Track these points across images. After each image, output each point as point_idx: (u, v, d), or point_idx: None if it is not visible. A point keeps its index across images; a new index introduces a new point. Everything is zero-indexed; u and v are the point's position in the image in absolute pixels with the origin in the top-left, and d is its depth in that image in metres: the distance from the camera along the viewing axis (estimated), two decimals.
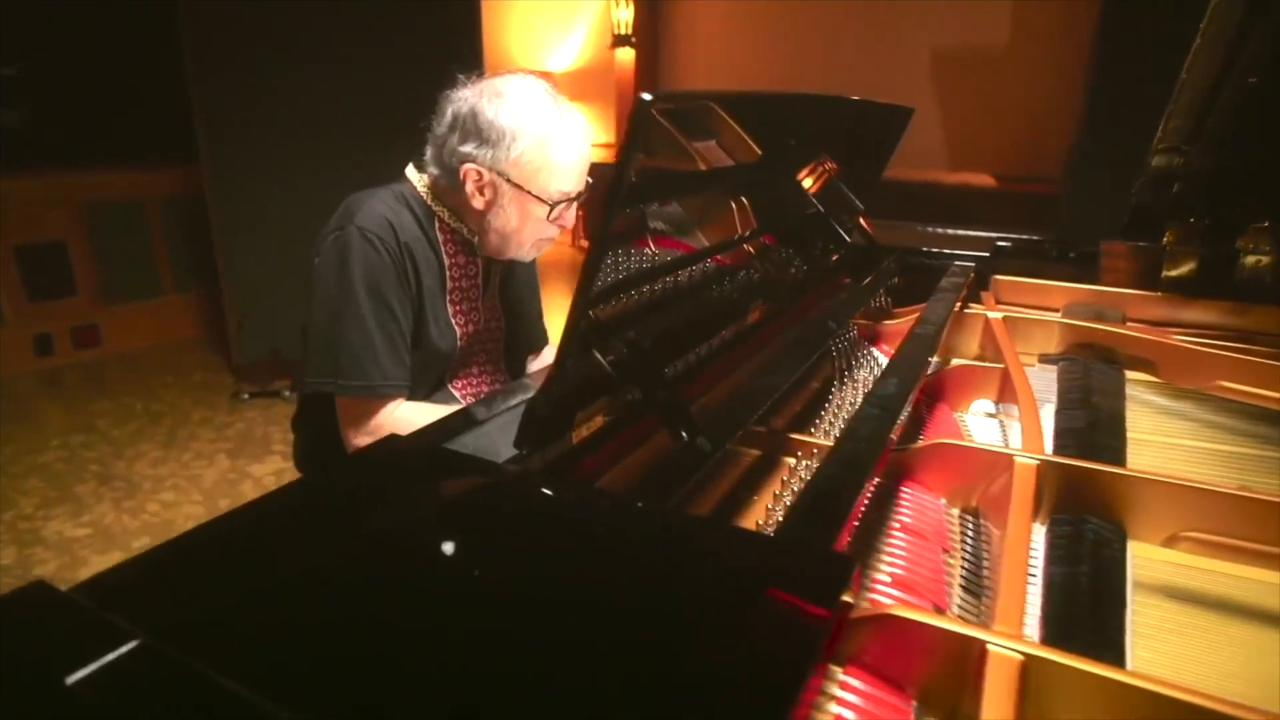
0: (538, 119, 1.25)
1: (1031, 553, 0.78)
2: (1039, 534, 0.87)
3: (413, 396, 1.33)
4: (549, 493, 0.63)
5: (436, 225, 1.34)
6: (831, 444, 1.00)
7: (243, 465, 3.05)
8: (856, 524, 0.80)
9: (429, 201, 1.34)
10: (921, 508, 0.93)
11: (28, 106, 4.10)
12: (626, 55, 6.28)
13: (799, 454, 1.00)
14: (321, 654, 0.45)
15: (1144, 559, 0.83)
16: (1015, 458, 0.90)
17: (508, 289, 1.52)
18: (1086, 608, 0.71)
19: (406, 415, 1.28)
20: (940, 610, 0.76)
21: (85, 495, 2.79)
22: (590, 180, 1.35)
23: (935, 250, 1.85)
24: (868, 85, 5.54)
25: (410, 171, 1.36)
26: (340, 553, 0.55)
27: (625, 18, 6.14)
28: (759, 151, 1.38)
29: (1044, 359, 1.47)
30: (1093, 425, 1.12)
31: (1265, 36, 1.26)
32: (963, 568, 0.85)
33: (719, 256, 1.32)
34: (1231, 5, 1.21)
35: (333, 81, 3.64)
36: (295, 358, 3.79)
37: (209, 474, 2.98)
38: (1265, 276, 1.58)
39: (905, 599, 0.75)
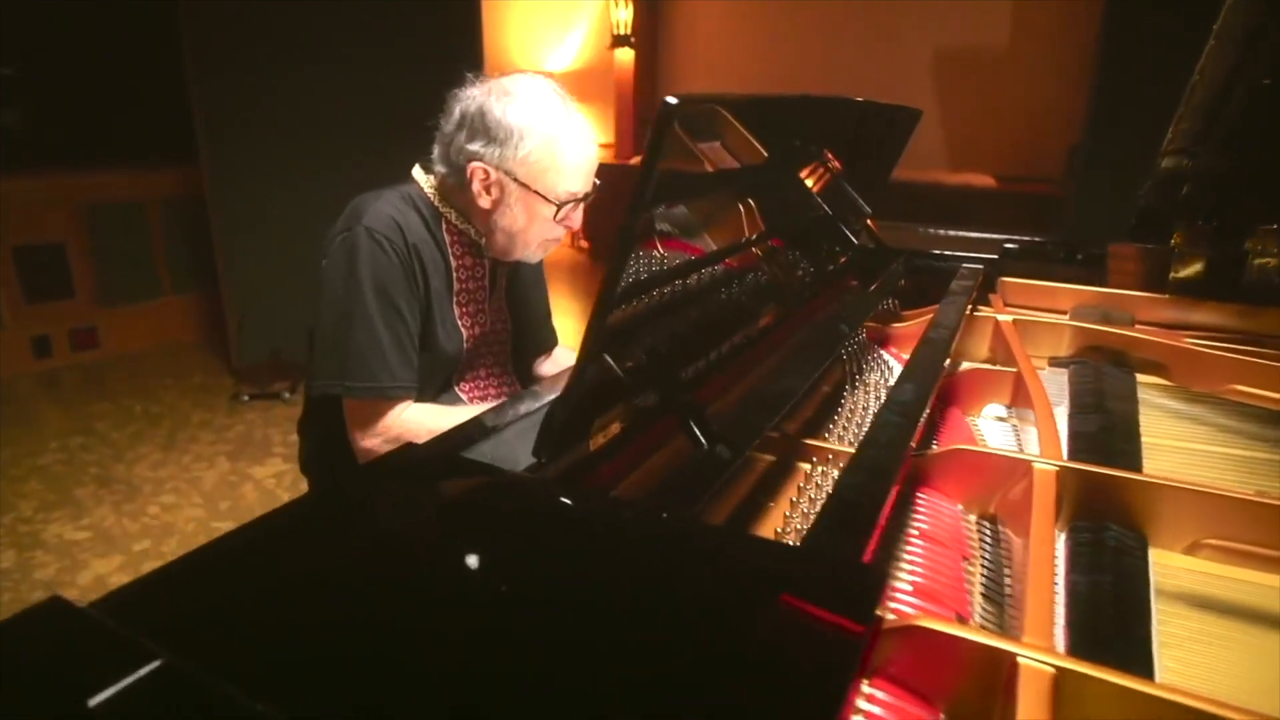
0: (546, 118, 1.24)
1: None
2: (1058, 541, 0.86)
3: (419, 399, 1.32)
4: (573, 504, 0.62)
5: (443, 226, 1.34)
6: (848, 450, 0.99)
7: (243, 468, 3.03)
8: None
9: (436, 202, 1.33)
10: (939, 514, 0.92)
11: (26, 106, 4.09)
12: (626, 55, 6.27)
13: (814, 459, 0.99)
14: (351, 674, 0.44)
15: (1165, 566, 0.83)
16: (1034, 464, 0.89)
17: (514, 290, 1.51)
18: (1112, 617, 0.70)
19: (415, 417, 1.27)
20: (963, 619, 0.75)
21: (85, 498, 2.78)
22: (597, 182, 1.34)
23: (943, 253, 1.85)
24: (868, 86, 5.54)
25: (417, 172, 1.36)
26: (364, 569, 0.54)
27: (624, 18, 6.14)
28: (765, 153, 1.37)
29: (1054, 362, 1.46)
30: (1107, 430, 1.11)
31: None
32: (983, 575, 0.84)
33: (731, 259, 1.31)
34: (1246, 7, 1.20)
35: (333, 81, 3.63)
36: (295, 360, 3.79)
37: (209, 476, 2.96)
38: (1274, 279, 1.58)
39: (927, 608, 0.74)
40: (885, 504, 0.68)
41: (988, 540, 0.90)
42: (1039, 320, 1.51)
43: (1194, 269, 1.67)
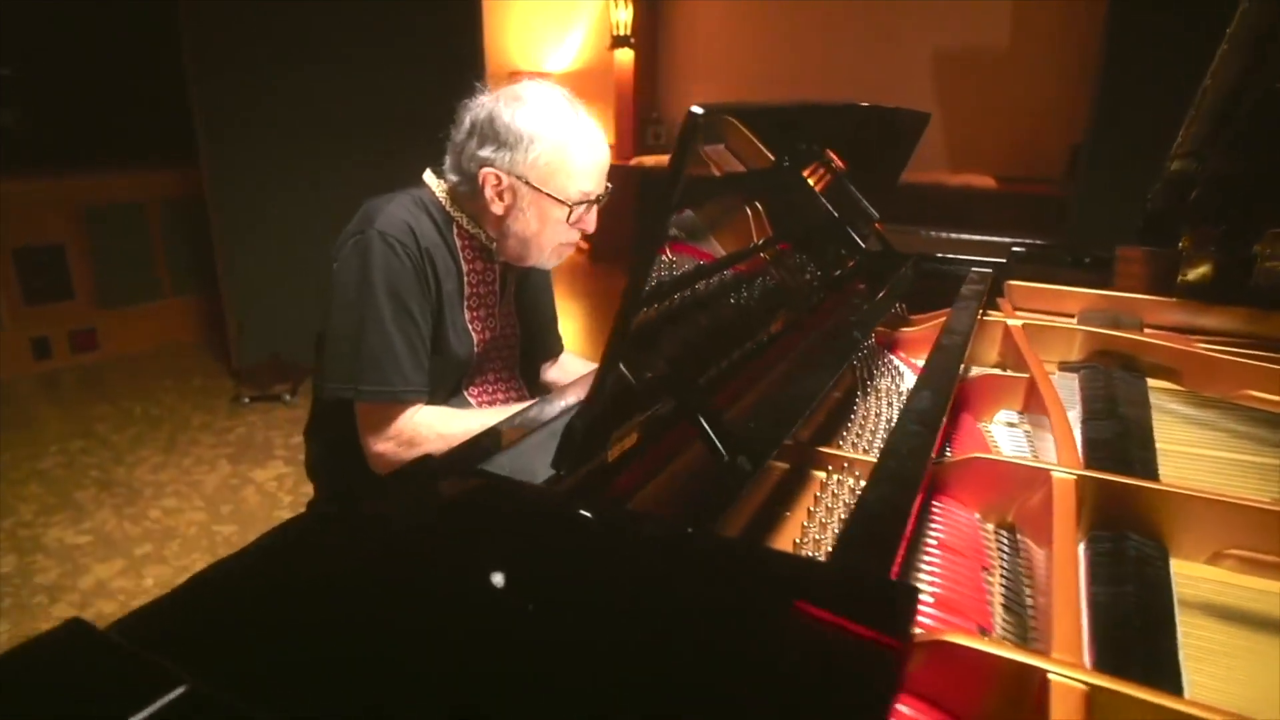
0: (555, 122, 1.25)
1: None
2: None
3: (429, 403, 1.31)
4: (598, 520, 0.61)
5: (455, 231, 1.33)
6: (863, 458, 0.98)
7: (245, 470, 3.02)
8: None
9: (447, 207, 1.33)
10: (956, 524, 0.91)
11: (26, 107, 4.07)
12: (625, 56, 6.26)
13: (829, 468, 0.98)
14: (379, 698, 0.43)
15: (1187, 577, 0.82)
16: (1053, 473, 0.88)
17: (523, 295, 1.51)
18: (1138, 631, 0.69)
19: (427, 420, 1.27)
20: (985, 631, 0.74)
21: (85, 501, 2.76)
22: (609, 185, 1.34)
23: (951, 256, 1.84)
24: (868, 86, 5.54)
25: (428, 177, 1.35)
26: (389, 589, 0.53)
27: (624, 19, 6.13)
28: (771, 156, 1.37)
29: (1064, 366, 1.46)
30: (1122, 436, 1.10)
31: None
32: (1003, 586, 0.83)
33: (741, 264, 1.30)
34: (1260, 11, 1.20)
35: (333, 82, 3.62)
36: (296, 361, 3.78)
37: (210, 479, 2.95)
38: None
39: (950, 620, 0.73)
40: (910, 517, 0.67)
41: (1006, 549, 0.90)
42: (1048, 324, 1.50)
43: (1202, 272, 1.66)
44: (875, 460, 0.96)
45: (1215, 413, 1.25)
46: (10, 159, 3.83)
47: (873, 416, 1.18)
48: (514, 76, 5.82)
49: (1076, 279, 1.77)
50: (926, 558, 0.83)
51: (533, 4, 6.28)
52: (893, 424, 1.15)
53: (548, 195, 1.27)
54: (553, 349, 1.64)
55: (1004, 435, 1.21)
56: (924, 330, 1.57)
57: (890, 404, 1.23)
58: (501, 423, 0.83)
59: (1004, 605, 0.80)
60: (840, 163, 1.59)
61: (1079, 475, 0.87)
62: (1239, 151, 1.50)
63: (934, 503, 0.94)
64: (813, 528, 0.85)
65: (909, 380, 1.35)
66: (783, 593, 0.52)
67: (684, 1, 6.43)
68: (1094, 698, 0.55)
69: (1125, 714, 0.55)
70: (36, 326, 3.87)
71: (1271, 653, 0.72)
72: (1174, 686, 0.64)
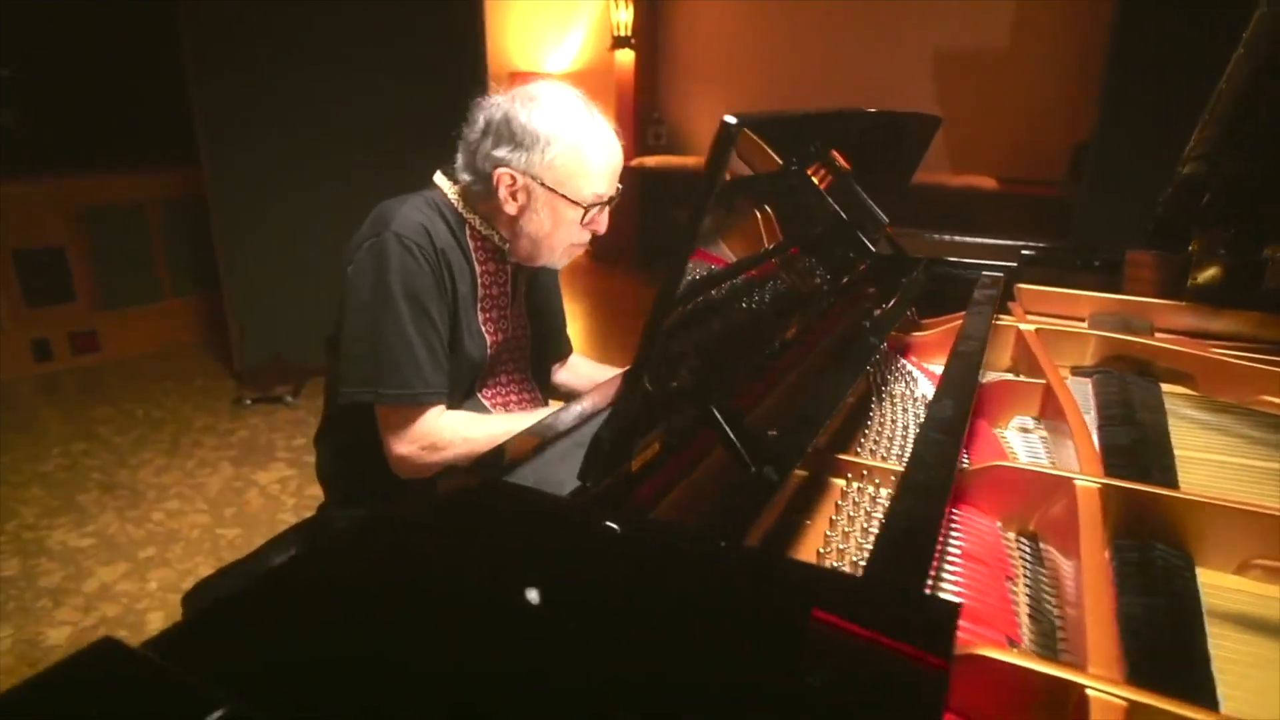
0: (571, 122, 1.25)
1: None
2: None
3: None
4: (629, 534, 0.60)
5: (468, 232, 1.33)
6: (882, 465, 0.98)
7: (247, 473, 3.01)
8: None
9: (460, 209, 1.32)
10: (978, 533, 0.90)
11: (25, 107, 4.05)
12: (626, 57, 6.25)
13: (849, 476, 0.98)
14: (422, 713, 0.43)
15: (1215, 588, 0.81)
16: (1076, 481, 0.88)
17: (533, 297, 1.51)
18: (1170, 643, 0.69)
19: (449, 423, 1.26)
20: (1013, 642, 0.73)
21: (88, 504, 2.75)
22: (620, 186, 1.33)
23: (961, 260, 1.83)
24: (868, 87, 5.54)
25: (440, 179, 1.35)
26: (427, 606, 0.52)
27: (625, 19, 6.11)
28: (778, 160, 1.36)
29: (1077, 371, 1.45)
30: (1140, 443, 1.10)
31: None
32: (1027, 595, 0.83)
33: (753, 269, 1.30)
34: (1275, 15, 1.19)
35: (334, 82, 3.61)
36: (297, 362, 3.76)
37: (213, 482, 2.94)
38: None
39: (977, 631, 0.73)
40: (939, 528, 0.67)
41: (1029, 558, 0.89)
42: (1059, 328, 1.50)
43: (1212, 276, 1.66)
44: (896, 468, 0.96)
45: (1231, 418, 1.25)
46: (10, 160, 3.81)
47: (889, 423, 1.17)
48: (514, 77, 5.82)
49: (1086, 282, 1.76)
50: (951, 568, 0.83)
51: (533, 4, 6.26)
52: (909, 430, 1.15)
53: (562, 196, 1.26)
54: (562, 351, 1.64)
55: (1019, 441, 1.20)
56: (936, 335, 1.56)
57: (905, 410, 1.22)
58: (524, 431, 0.83)
59: (1030, 616, 0.80)
60: (848, 166, 1.59)
61: (1102, 484, 0.87)
62: (1252, 156, 1.49)
63: (954, 511, 0.94)
64: (835, 537, 0.85)
65: (923, 385, 1.34)
66: (823, 609, 0.51)
67: (684, 1, 6.42)
68: (1133, 714, 0.55)
69: None
70: (37, 328, 3.85)
71: None
72: (1209, 701, 0.63)
